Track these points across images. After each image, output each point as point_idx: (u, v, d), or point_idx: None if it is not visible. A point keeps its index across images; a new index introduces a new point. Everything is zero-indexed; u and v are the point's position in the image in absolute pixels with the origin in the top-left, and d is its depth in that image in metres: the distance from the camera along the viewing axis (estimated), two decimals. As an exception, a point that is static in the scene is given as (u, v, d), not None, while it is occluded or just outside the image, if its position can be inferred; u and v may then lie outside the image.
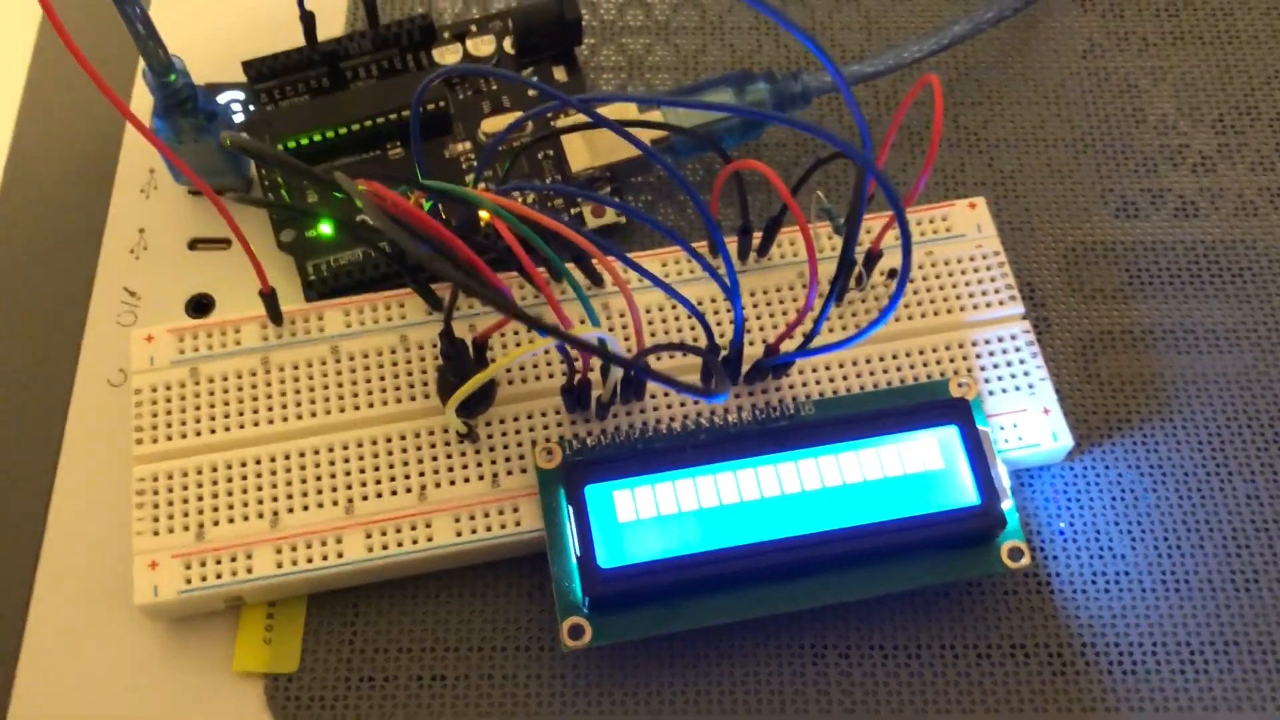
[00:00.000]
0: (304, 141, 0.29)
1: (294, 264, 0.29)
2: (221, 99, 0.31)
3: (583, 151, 0.29)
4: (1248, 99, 0.32)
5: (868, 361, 0.27)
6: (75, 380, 0.28)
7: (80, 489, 0.27)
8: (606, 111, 0.29)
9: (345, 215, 0.28)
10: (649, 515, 0.25)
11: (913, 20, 0.33)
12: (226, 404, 0.27)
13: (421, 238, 0.23)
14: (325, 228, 0.29)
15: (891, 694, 0.25)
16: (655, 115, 0.29)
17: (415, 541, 0.25)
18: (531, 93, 0.31)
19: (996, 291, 0.28)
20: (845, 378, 0.27)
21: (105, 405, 0.28)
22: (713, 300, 0.28)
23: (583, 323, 0.27)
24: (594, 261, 0.27)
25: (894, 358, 0.27)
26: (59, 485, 0.27)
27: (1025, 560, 0.25)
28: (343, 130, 0.29)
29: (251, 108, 0.31)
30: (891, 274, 0.28)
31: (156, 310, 0.29)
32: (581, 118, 0.25)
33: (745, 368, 0.27)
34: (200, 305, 0.29)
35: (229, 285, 0.29)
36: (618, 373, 0.25)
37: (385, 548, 0.25)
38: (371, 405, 0.27)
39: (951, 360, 0.27)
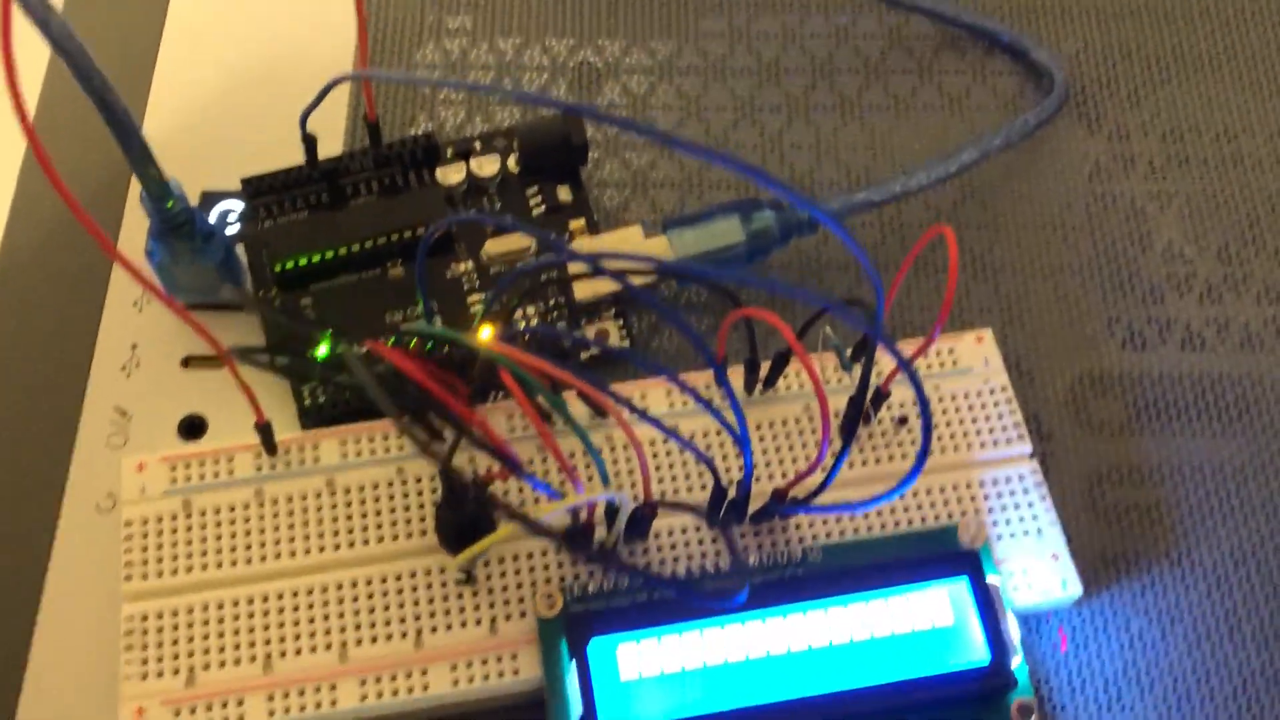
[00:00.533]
0: (302, 262, 0.29)
1: (289, 385, 0.28)
2: (218, 208, 0.31)
3: (587, 280, 0.28)
4: (1253, 227, 0.32)
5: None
6: (62, 506, 0.28)
7: (65, 625, 0.26)
8: (612, 239, 0.29)
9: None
10: (653, 673, 0.24)
11: (919, 139, 0.33)
12: (219, 538, 0.26)
13: (417, 393, 0.22)
14: (322, 348, 0.28)
15: None
16: (660, 240, 0.29)
17: (410, 690, 0.25)
18: (536, 211, 0.30)
19: (1004, 430, 0.28)
20: (852, 518, 0.27)
21: (93, 533, 0.27)
22: (719, 432, 0.28)
23: (581, 454, 0.26)
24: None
25: (900, 498, 0.27)
26: (42, 621, 0.26)
27: None
28: (342, 251, 0.29)
29: (243, 216, 0.30)
30: (902, 420, 0.27)
31: (147, 432, 0.29)
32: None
33: (752, 507, 0.26)
34: (193, 427, 0.29)
35: (222, 406, 0.29)
36: (622, 518, 0.24)
37: (380, 696, 0.25)
38: (367, 542, 0.26)
39: (959, 501, 0.27)
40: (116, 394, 0.29)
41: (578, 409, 0.28)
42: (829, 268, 0.31)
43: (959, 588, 0.25)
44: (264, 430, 0.26)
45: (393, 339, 0.24)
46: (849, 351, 0.27)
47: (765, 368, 0.28)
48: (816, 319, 0.26)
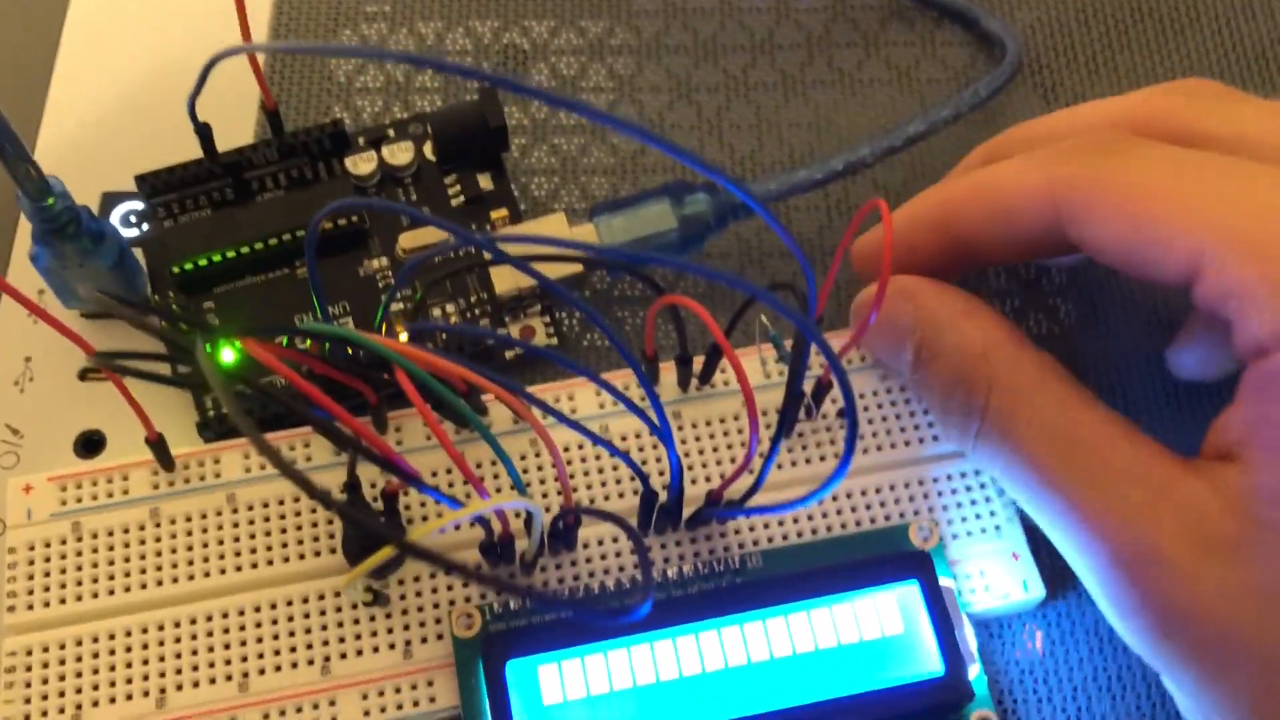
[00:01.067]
0: (202, 263, 0.27)
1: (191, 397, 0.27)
2: (119, 210, 0.29)
3: (508, 272, 0.27)
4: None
5: (819, 502, 0.25)
6: (-53, 532, 0.26)
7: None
8: (534, 228, 0.27)
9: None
10: (578, 695, 0.22)
11: (865, 115, 0.31)
12: (112, 564, 0.24)
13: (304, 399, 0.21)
14: (227, 354, 0.26)
15: None
16: (587, 228, 0.27)
17: (318, 722, 0.23)
18: (455, 201, 0.28)
19: (959, 421, 0.26)
20: (795, 520, 0.25)
21: None
22: (651, 434, 0.26)
23: (494, 476, 0.24)
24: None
25: (848, 497, 0.25)
26: (-78, 658, 0.24)
27: (995, 733, 0.22)
28: (245, 250, 0.27)
29: (142, 216, 0.28)
30: (841, 413, 0.25)
31: (42, 451, 0.27)
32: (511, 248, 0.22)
33: (687, 511, 0.24)
34: (90, 444, 0.27)
35: (122, 420, 0.27)
36: (535, 528, 0.23)
37: (284, 730, 0.23)
38: (271, 563, 0.24)
39: (911, 499, 0.25)
40: (8, 411, 0.27)
41: (501, 414, 0.26)
42: (771, 254, 0.29)
43: (909, 592, 0.23)
44: (157, 446, 0.24)
45: (284, 339, 0.22)
46: (789, 342, 0.25)
47: (701, 363, 0.26)
48: (747, 308, 0.24)
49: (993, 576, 0.24)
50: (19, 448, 0.27)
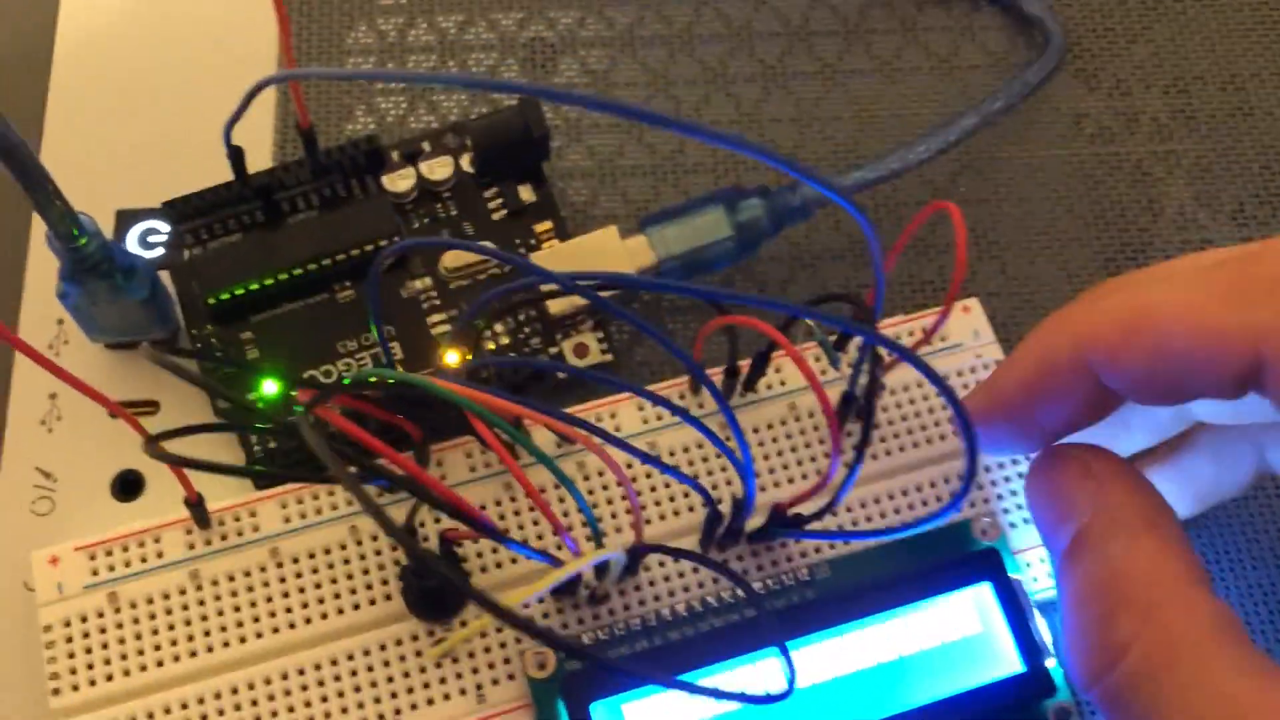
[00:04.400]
0: (239, 292, 0.25)
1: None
2: (136, 230, 0.27)
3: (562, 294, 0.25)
4: (1267, 185, 0.29)
5: (876, 502, 0.24)
6: (-20, 593, 0.24)
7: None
8: (586, 244, 0.26)
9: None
10: (664, 733, 0.21)
11: (906, 105, 0.30)
12: (156, 633, 0.22)
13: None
14: (269, 386, 0.24)
15: None
16: (639, 240, 0.26)
17: (391, 784, 0.22)
18: (496, 215, 0.27)
19: (1008, 410, 0.25)
20: (855, 523, 0.24)
21: (24, 620, 0.23)
22: (699, 446, 0.25)
23: (553, 487, 0.23)
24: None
25: (904, 494, 0.24)
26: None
27: (1073, 721, 0.22)
28: (283, 276, 0.25)
29: (168, 242, 0.27)
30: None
31: (77, 495, 0.25)
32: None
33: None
34: (128, 485, 0.25)
35: (161, 458, 0.25)
36: (615, 571, 0.22)
37: (355, 796, 0.22)
38: (325, 616, 0.23)
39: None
40: (37, 453, 0.25)
41: (545, 436, 0.25)
42: (822, 257, 0.28)
43: (982, 591, 0.23)
44: (196, 507, 0.23)
45: (345, 379, 0.21)
46: (833, 337, 0.25)
47: (746, 368, 0.25)
48: (796, 320, 0.23)
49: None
50: (53, 492, 0.25)
